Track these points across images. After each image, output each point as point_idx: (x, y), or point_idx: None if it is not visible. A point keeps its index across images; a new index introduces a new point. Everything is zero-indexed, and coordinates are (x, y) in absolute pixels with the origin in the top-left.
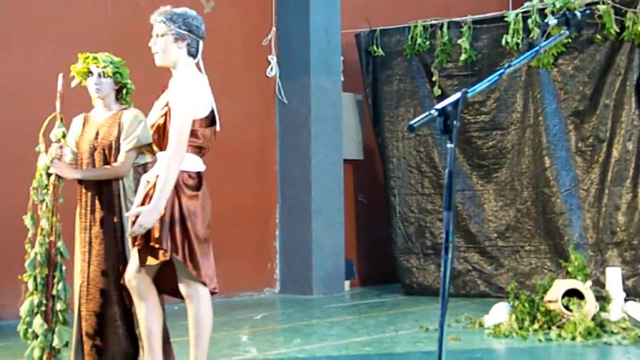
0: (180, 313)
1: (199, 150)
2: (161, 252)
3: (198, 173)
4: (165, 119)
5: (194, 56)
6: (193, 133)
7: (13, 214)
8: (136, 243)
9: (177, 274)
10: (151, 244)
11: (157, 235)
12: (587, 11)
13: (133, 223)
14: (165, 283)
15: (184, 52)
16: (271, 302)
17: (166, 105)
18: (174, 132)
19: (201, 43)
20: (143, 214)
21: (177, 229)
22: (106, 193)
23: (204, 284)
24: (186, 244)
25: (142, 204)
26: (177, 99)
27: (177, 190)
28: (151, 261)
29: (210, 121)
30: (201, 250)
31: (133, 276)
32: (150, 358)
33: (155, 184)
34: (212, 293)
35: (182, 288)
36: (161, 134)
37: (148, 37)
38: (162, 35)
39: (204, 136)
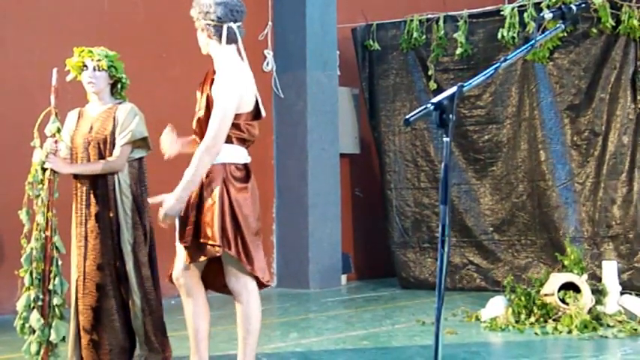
0: (177, 308)
1: (244, 142)
2: (210, 248)
3: (245, 165)
4: (206, 111)
5: (235, 41)
6: (237, 126)
7: (9, 209)
8: (184, 240)
9: (224, 269)
10: (203, 241)
11: (208, 231)
12: (583, 5)
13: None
14: (211, 278)
15: (217, 42)
16: (268, 296)
17: (208, 97)
18: (214, 124)
19: (234, 26)
20: (166, 203)
21: (229, 223)
22: (101, 188)
23: (256, 278)
24: (239, 238)
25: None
26: (221, 91)
27: (225, 183)
28: (201, 257)
29: (254, 114)
30: (253, 243)
31: (180, 274)
32: (196, 358)
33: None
34: (266, 286)
35: (231, 284)
36: (203, 127)
37: (143, 31)
38: (200, 30)
39: (248, 129)
